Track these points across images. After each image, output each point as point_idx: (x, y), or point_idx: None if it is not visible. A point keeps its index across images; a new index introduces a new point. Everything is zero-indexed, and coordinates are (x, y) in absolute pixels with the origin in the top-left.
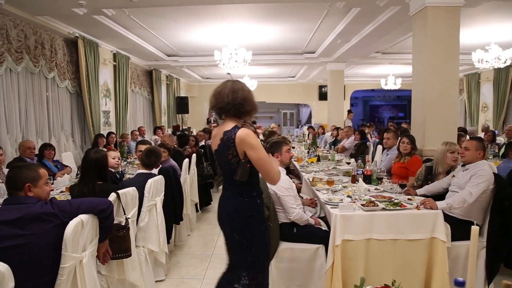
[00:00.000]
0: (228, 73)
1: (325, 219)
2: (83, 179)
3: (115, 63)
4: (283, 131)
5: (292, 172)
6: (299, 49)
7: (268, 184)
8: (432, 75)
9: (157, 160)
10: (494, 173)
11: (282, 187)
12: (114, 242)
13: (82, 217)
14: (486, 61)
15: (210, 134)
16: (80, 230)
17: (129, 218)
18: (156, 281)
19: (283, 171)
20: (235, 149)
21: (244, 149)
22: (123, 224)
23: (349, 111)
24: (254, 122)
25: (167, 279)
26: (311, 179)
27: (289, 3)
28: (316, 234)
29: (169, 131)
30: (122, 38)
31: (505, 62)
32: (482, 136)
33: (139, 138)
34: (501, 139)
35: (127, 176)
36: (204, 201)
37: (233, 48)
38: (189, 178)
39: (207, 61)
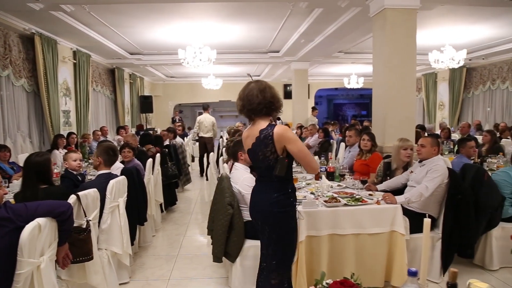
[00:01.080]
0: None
1: None
2: (24, 183)
3: (75, 61)
4: None
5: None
6: (263, 48)
7: (232, 182)
8: (391, 75)
9: (117, 155)
10: (448, 168)
11: (245, 185)
12: (75, 246)
13: (40, 220)
14: (442, 62)
15: (175, 133)
16: (37, 234)
17: (90, 220)
18: (120, 284)
19: (246, 170)
20: (274, 145)
21: (283, 144)
22: (84, 226)
23: (313, 108)
24: (279, 118)
25: (131, 281)
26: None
27: (253, 3)
28: None
29: (132, 131)
30: (82, 35)
31: (458, 62)
32: (439, 133)
33: (101, 138)
34: (456, 136)
35: (89, 177)
36: (169, 201)
37: (198, 46)
38: (153, 178)
39: (171, 60)
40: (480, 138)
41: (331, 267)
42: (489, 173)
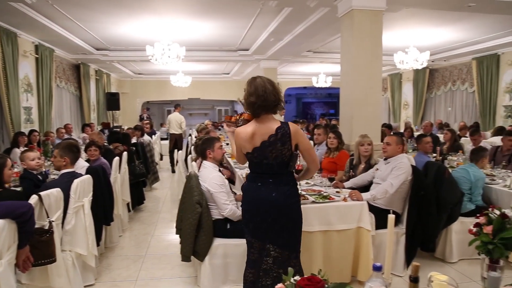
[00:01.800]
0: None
1: None
2: None
3: (37, 56)
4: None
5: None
6: (233, 46)
7: (200, 181)
8: (358, 74)
9: (80, 151)
10: (412, 165)
11: (214, 184)
12: (37, 248)
13: None
14: (406, 62)
15: (142, 131)
16: None
17: (53, 221)
18: (85, 286)
19: (215, 168)
20: (291, 142)
21: (297, 141)
22: (46, 228)
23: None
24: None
25: (97, 283)
26: (244, 175)
27: (223, 0)
28: None
29: (98, 128)
30: (44, 29)
31: (422, 64)
32: (403, 131)
33: (66, 136)
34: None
35: (52, 177)
36: (136, 201)
37: (166, 43)
38: (120, 177)
39: (139, 56)
40: (442, 137)
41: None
42: (450, 170)
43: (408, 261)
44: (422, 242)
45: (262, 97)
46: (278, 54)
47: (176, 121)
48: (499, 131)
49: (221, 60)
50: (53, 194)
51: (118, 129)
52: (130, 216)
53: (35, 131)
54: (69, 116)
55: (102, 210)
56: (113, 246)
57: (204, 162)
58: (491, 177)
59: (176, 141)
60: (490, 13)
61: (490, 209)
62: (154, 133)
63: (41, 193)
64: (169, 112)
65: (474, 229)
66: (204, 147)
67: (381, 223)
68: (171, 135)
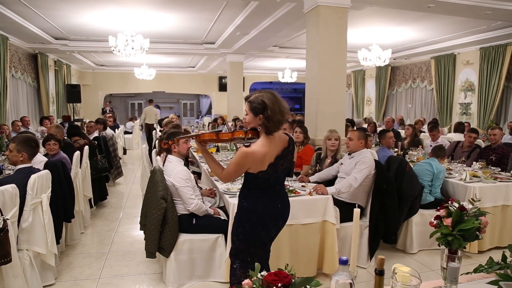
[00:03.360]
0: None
1: (224, 208)
2: None
3: None
4: (183, 121)
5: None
6: (198, 39)
7: (165, 175)
8: (323, 70)
9: (39, 146)
10: (375, 159)
11: (180, 178)
12: None
13: None
14: (370, 60)
15: (105, 124)
16: None
17: (8, 219)
18: (44, 286)
19: (180, 162)
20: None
21: None
22: (0, 226)
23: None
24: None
25: (57, 282)
26: (209, 170)
27: None
28: (216, 224)
29: (58, 121)
30: None
31: (384, 61)
32: (366, 127)
33: (22, 129)
34: (379, 129)
35: (7, 172)
36: (98, 196)
37: (130, 34)
38: (81, 172)
39: (101, 47)
40: (403, 132)
41: None
42: (410, 164)
43: (371, 253)
44: (385, 234)
45: (286, 114)
46: (244, 48)
47: (152, 112)
48: (458, 126)
49: (186, 53)
50: (7, 191)
51: (79, 123)
52: (92, 212)
53: None
54: (25, 108)
55: (62, 207)
56: (74, 243)
57: (169, 156)
58: (448, 171)
59: (150, 130)
60: (447, 14)
61: (449, 202)
62: (118, 127)
63: None
64: (132, 105)
65: (435, 222)
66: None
67: (345, 217)
68: (146, 124)
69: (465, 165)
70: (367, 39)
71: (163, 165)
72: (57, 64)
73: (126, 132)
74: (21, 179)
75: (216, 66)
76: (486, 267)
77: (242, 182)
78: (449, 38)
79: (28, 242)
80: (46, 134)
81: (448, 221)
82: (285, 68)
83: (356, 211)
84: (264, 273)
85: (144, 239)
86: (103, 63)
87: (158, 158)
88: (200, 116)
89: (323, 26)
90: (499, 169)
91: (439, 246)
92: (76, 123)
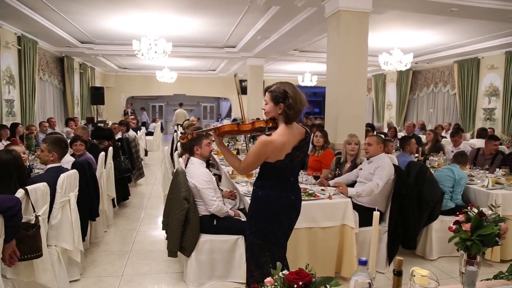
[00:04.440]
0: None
1: (244, 210)
2: (1, 186)
3: (20, 47)
4: (203, 124)
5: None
6: (220, 43)
7: (187, 177)
8: (344, 74)
9: (68, 147)
10: (394, 164)
11: (202, 180)
12: (23, 242)
13: None
14: (391, 64)
15: (128, 126)
16: None
17: (39, 215)
18: (70, 281)
19: (202, 164)
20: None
21: None
22: (33, 222)
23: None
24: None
25: (82, 278)
26: (230, 172)
27: None
28: (236, 225)
29: (82, 123)
30: (28, 20)
31: (405, 65)
32: (387, 131)
33: (49, 130)
34: (401, 134)
35: (36, 171)
36: (121, 196)
37: (153, 38)
38: (105, 172)
39: (125, 51)
40: (423, 138)
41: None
42: (431, 170)
43: (390, 258)
44: (404, 239)
45: (305, 104)
46: (265, 52)
47: (182, 114)
48: (482, 132)
49: (208, 56)
50: (39, 189)
51: (102, 124)
52: (115, 212)
53: (18, 124)
54: (52, 109)
55: (88, 205)
56: (98, 241)
57: (192, 158)
58: (470, 178)
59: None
60: (471, 18)
61: (469, 208)
62: (140, 129)
63: (28, 187)
64: (153, 108)
65: (454, 227)
66: (192, 144)
67: (364, 221)
68: (178, 125)
69: (487, 172)
70: (388, 43)
71: (185, 167)
72: (82, 67)
73: (148, 133)
74: (51, 178)
75: (236, 69)
76: (506, 274)
77: (249, 183)
78: (473, 42)
79: (56, 239)
80: (71, 135)
81: (467, 226)
82: (305, 71)
83: (376, 214)
84: (285, 271)
85: (166, 239)
86: (126, 66)
87: (180, 160)
88: (220, 119)
89: (344, 31)
90: None
91: (458, 251)
92: (99, 124)
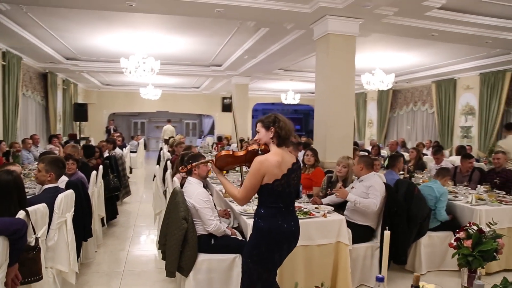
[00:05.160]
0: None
1: (238, 229)
2: (1, 209)
3: (4, 63)
4: (186, 141)
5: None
6: (206, 61)
7: (186, 197)
8: (332, 95)
9: (65, 167)
10: (384, 183)
11: (200, 200)
12: (24, 265)
13: None
14: (373, 83)
15: (114, 143)
16: None
17: (39, 237)
18: None
19: (200, 184)
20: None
21: None
22: (33, 244)
23: None
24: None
25: None
26: (223, 191)
27: (201, 17)
28: (233, 244)
29: (64, 139)
30: (14, 36)
31: (387, 85)
32: (370, 149)
33: (33, 148)
34: (384, 152)
35: (26, 191)
36: (109, 215)
37: (141, 56)
38: (96, 191)
39: (111, 68)
40: (406, 155)
41: (282, 278)
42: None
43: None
44: (395, 255)
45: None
46: (251, 71)
47: (170, 130)
48: (461, 150)
49: (193, 74)
50: (39, 210)
51: (85, 141)
52: (104, 231)
53: (1, 141)
54: (34, 126)
55: (82, 225)
56: (89, 262)
57: (189, 178)
58: (454, 194)
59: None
60: (450, 42)
61: (468, 225)
62: (125, 146)
63: (29, 209)
64: (135, 124)
65: (454, 243)
66: (190, 163)
67: (357, 238)
68: (166, 140)
69: (469, 188)
70: (370, 64)
71: (181, 186)
72: (65, 82)
73: (131, 151)
74: (48, 199)
75: (220, 87)
76: (501, 286)
77: (255, 204)
78: (450, 64)
79: (52, 260)
80: (56, 152)
81: (468, 243)
82: (288, 90)
83: (387, 233)
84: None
85: (162, 259)
86: (109, 82)
87: (175, 180)
88: (203, 136)
89: (332, 53)
90: (504, 193)
91: (459, 266)
92: (82, 141)
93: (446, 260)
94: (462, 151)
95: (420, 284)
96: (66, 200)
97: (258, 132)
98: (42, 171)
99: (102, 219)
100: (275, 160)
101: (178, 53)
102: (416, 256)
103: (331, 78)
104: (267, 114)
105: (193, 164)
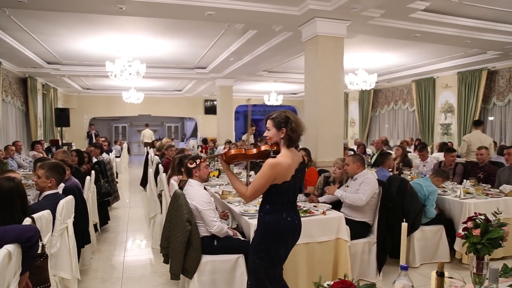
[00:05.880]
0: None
1: (237, 230)
2: (4, 217)
3: None
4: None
5: None
6: (190, 64)
7: (188, 199)
8: (322, 95)
9: (66, 172)
10: (378, 180)
11: (202, 201)
12: (32, 273)
13: (9, 247)
14: (356, 84)
15: (102, 148)
16: (7, 263)
17: (45, 245)
18: None
19: (201, 186)
20: None
21: None
22: (40, 251)
23: (250, 125)
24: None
25: None
26: (220, 193)
27: (189, 20)
28: (235, 245)
29: (46, 145)
30: None
31: (370, 85)
32: (356, 149)
33: (16, 155)
34: (368, 150)
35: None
36: (101, 221)
37: (127, 60)
38: (90, 196)
39: (94, 71)
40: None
41: (285, 275)
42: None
43: (379, 268)
44: (392, 249)
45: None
46: (235, 73)
47: (149, 134)
48: (442, 146)
49: (177, 77)
50: (44, 217)
51: (66, 147)
52: (97, 237)
53: None
54: (14, 132)
55: (81, 231)
56: (86, 268)
57: (190, 180)
58: (442, 189)
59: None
60: (432, 43)
61: (475, 215)
62: (111, 151)
63: (34, 216)
64: (116, 129)
65: (462, 233)
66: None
67: (355, 234)
68: (145, 143)
69: (455, 183)
70: (353, 64)
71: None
72: (45, 87)
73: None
74: (50, 205)
75: (203, 89)
76: (502, 272)
77: (261, 201)
78: (429, 63)
79: (55, 268)
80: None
81: (476, 232)
82: (271, 91)
83: (404, 225)
84: (330, 282)
85: (164, 262)
86: (89, 86)
87: (174, 182)
88: (186, 139)
89: (321, 54)
90: (489, 186)
91: (466, 254)
92: (64, 147)
93: (438, 253)
94: (444, 147)
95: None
96: (67, 206)
97: (268, 129)
98: (42, 177)
99: (95, 225)
100: (287, 164)
101: (163, 56)
102: (410, 250)
103: (320, 79)
104: (252, 115)
105: (204, 158)
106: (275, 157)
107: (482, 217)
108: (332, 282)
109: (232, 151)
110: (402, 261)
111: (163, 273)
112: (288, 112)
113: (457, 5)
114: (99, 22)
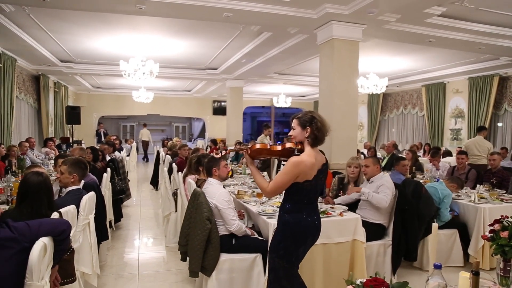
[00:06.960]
0: None
1: (254, 229)
2: (31, 211)
3: (0, 65)
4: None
5: None
6: (202, 64)
7: (208, 198)
8: (337, 98)
9: (88, 167)
10: (394, 182)
11: (222, 200)
12: (60, 267)
13: (45, 240)
14: (367, 87)
15: (114, 146)
16: (43, 256)
17: (71, 239)
18: None
19: (220, 185)
20: None
21: None
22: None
23: (267, 126)
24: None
25: None
26: (236, 192)
27: (205, 21)
28: (253, 244)
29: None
30: (11, 37)
31: (381, 89)
32: (366, 152)
33: (29, 151)
34: (378, 154)
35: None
36: (115, 218)
37: (140, 59)
38: (107, 193)
39: (106, 70)
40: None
41: (302, 276)
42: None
43: (394, 270)
44: (406, 252)
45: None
46: (246, 74)
47: (146, 134)
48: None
49: (188, 78)
50: (70, 212)
51: (76, 144)
52: (111, 234)
53: (14, 146)
54: (27, 129)
55: (99, 227)
56: (102, 264)
57: (209, 179)
58: (456, 193)
59: (145, 145)
60: (446, 48)
61: (501, 217)
62: (122, 149)
63: (61, 210)
64: (124, 127)
65: (489, 235)
66: (210, 165)
67: (370, 236)
68: (143, 141)
69: (468, 188)
70: (364, 68)
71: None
72: (56, 85)
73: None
74: (74, 201)
75: (213, 90)
76: None
77: (281, 200)
78: (440, 68)
79: (77, 263)
80: (51, 155)
81: (504, 234)
82: (280, 93)
83: (435, 225)
84: (362, 279)
85: (181, 260)
86: (99, 85)
87: (191, 181)
88: (193, 139)
89: (337, 57)
90: (504, 191)
91: (493, 256)
92: (74, 145)
93: (452, 257)
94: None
95: (461, 273)
96: (89, 202)
97: (293, 128)
98: (65, 173)
99: (109, 222)
100: (310, 163)
101: (175, 56)
102: (424, 253)
103: (335, 82)
104: (259, 117)
105: (229, 150)
106: (299, 155)
107: (510, 219)
108: (365, 280)
109: (258, 145)
110: (433, 260)
111: (178, 271)
112: (314, 112)
113: (473, 11)
114: (115, 21)
